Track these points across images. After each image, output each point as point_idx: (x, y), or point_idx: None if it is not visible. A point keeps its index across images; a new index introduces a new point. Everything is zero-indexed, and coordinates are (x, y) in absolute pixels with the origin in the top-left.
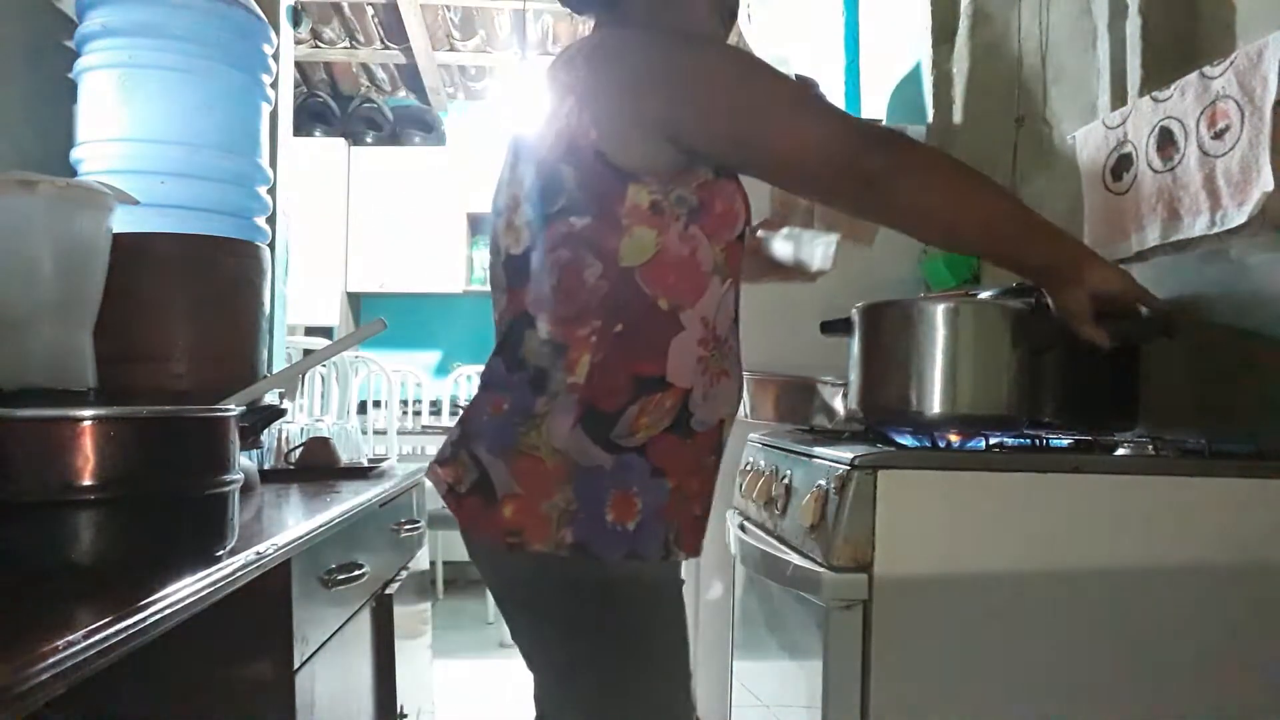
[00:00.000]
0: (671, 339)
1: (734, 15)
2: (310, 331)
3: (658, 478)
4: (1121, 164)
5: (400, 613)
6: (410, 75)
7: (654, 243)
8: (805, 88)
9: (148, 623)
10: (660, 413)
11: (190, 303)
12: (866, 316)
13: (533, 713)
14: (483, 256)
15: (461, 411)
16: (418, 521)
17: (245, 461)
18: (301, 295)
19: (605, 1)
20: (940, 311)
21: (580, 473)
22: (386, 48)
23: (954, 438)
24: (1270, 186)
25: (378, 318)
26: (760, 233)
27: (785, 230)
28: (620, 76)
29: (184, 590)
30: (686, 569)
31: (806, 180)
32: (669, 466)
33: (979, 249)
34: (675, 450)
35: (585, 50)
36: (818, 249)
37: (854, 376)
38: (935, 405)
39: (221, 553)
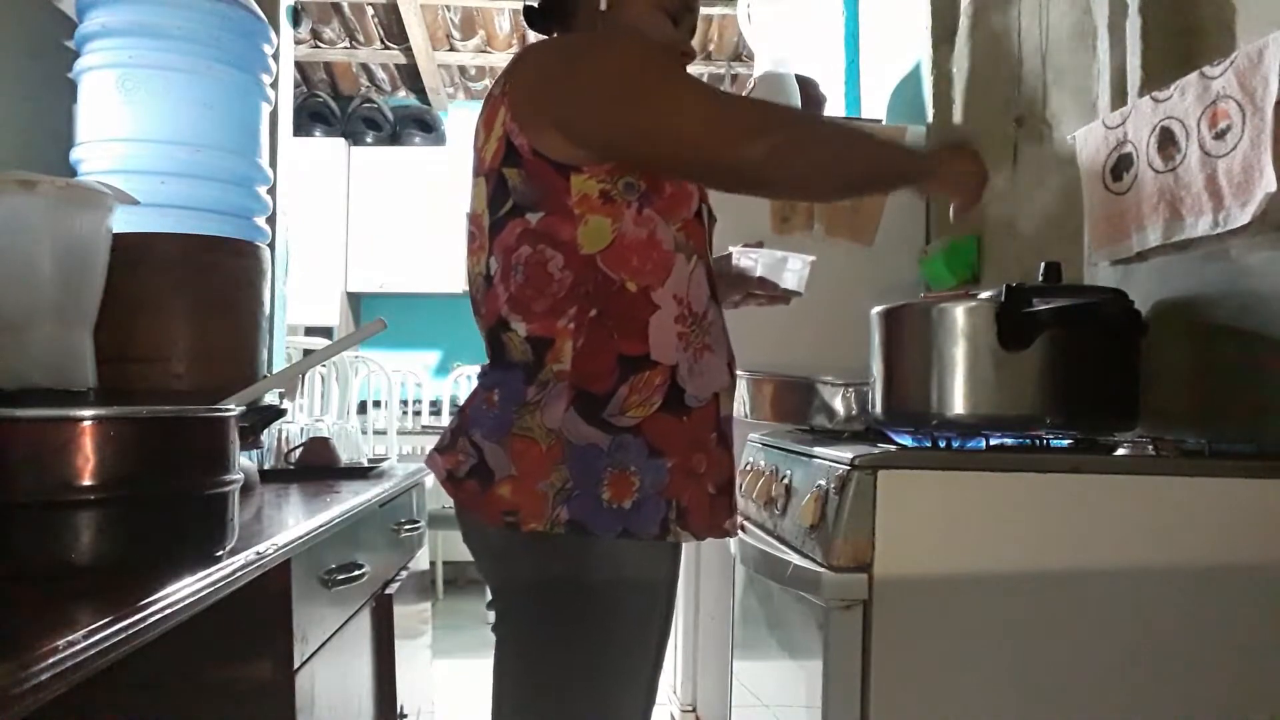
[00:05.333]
0: (649, 318)
1: (689, 8)
2: (310, 331)
3: (655, 457)
4: (1121, 164)
5: (400, 613)
6: (410, 75)
7: (610, 229)
8: (692, 81)
9: (148, 623)
10: (650, 390)
11: (190, 303)
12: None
13: None
14: None
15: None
16: (418, 521)
17: (245, 461)
18: (301, 295)
19: (560, 20)
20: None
21: (575, 452)
22: (386, 48)
23: (954, 438)
24: (1273, 187)
25: (378, 318)
26: (735, 252)
27: (760, 252)
28: (530, 80)
29: (184, 590)
30: (686, 569)
31: (685, 172)
32: (666, 446)
33: (857, 194)
34: (671, 429)
35: (511, 62)
36: (790, 271)
37: (877, 378)
38: (960, 407)
39: (221, 553)
